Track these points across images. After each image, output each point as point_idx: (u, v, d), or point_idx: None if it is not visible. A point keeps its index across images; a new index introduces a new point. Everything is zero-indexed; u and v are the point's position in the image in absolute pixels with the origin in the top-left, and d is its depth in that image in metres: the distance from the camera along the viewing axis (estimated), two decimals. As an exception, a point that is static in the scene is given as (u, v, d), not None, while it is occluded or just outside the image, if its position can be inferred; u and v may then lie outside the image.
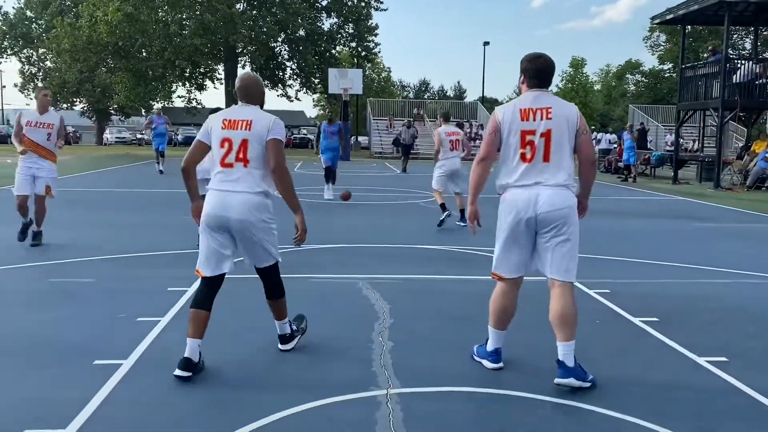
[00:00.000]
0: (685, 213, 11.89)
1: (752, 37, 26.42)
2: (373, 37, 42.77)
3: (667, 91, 50.61)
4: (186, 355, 3.52)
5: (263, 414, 3.10)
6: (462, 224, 8.78)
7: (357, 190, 13.98)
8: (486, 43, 44.80)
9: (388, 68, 70.23)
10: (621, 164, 20.64)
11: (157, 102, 42.15)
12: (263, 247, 3.69)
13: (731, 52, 26.10)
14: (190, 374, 3.48)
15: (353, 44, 43.25)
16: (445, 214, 8.94)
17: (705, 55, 21.27)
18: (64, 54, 38.19)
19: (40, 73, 49.53)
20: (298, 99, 73.02)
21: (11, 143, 7.46)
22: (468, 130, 36.34)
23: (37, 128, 7.08)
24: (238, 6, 39.00)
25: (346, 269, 6.35)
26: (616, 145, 22.84)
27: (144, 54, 38.49)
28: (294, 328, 4.05)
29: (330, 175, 12.90)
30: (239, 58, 41.95)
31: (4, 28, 48.04)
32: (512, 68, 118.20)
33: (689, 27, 28.98)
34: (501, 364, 3.79)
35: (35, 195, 7.12)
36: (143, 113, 47.68)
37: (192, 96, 43.79)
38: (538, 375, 3.70)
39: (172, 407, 3.20)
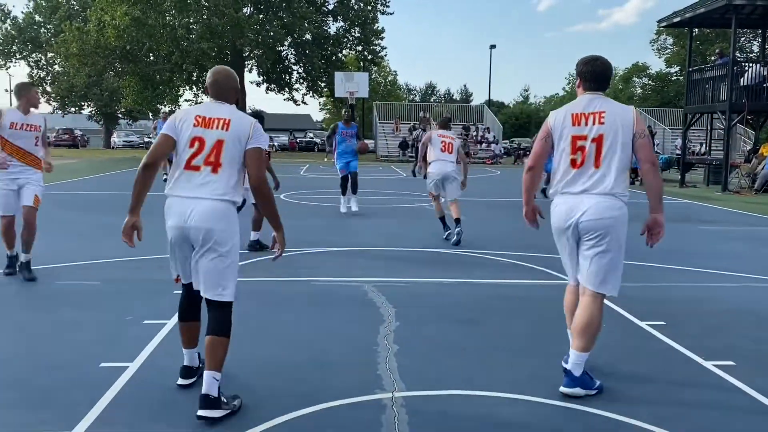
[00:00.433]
0: (692, 216, 11.84)
1: (760, 40, 26.32)
2: (380, 41, 42.84)
3: (674, 94, 50.45)
4: (185, 363, 3.48)
5: (269, 417, 3.11)
6: (456, 231, 8.11)
7: (363, 193, 13.98)
8: (492, 47, 44.80)
9: (395, 72, 70.27)
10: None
11: (165, 106, 42.31)
12: (218, 269, 3.12)
13: (739, 55, 26.00)
14: (192, 380, 3.45)
15: (359, 48, 43.32)
16: (446, 233, 8.34)
17: (712, 58, 21.16)
18: (73, 58, 38.44)
19: (49, 77, 49.84)
20: (305, 103, 73.34)
21: None
22: (474, 134, 36.33)
23: (24, 131, 5.77)
24: (245, 10, 39.14)
25: (352, 272, 6.35)
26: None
27: (151, 58, 38.70)
28: (223, 398, 3.13)
29: (347, 184, 11.02)
30: (246, 62, 42.10)
31: (13, 32, 48.40)
32: (519, 71, 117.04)
33: (696, 30, 28.90)
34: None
35: (23, 207, 5.75)
36: (151, 117, 47.89)
37: (199, 100, 44.04)
38: (543, 378, 3.69)
39: (178, 409, 3.21)
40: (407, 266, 6.83)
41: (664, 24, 22.20)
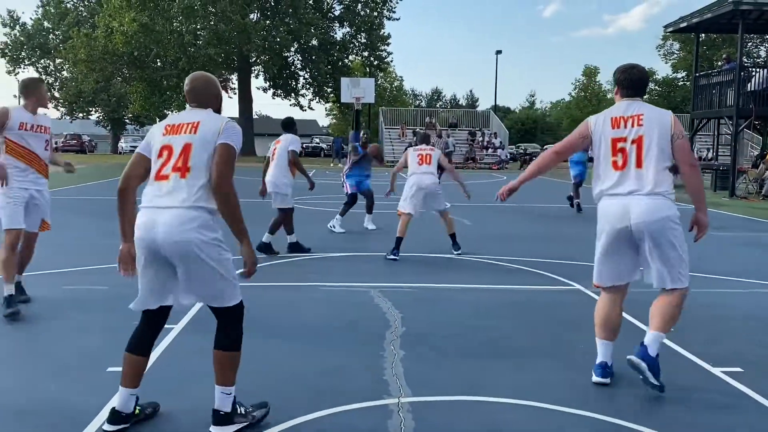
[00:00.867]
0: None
1: (767, 45, 26.22)
2: (386, 47, 42.99)
3: (680, 99, 50.31)
4: (116, 406, 3.02)
5: (275, 422, 3.11)
6: (457, 252, 7.71)
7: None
8: (498, 52, 44.91)
9: (401, 77, 70.45)
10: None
11: (172, 111, 42.53)
12: (210, 276, 2.85)
13: (745, 60, 25.92)
14: (118, 428, 2.98)
15: (366, 53, 43.48)
16: (392, 254, 7.43)
17: (719, 63, 21.12)
18: (81, 64, 38.74)
19: (57, 83, 50.19)
20: (311, 108, 73.59)
21: None
22: (480, 139, 36.33)
23: (35, 132, 5.02)
24: (251, 16, 39.37)
25: (358, 278, 6.36)
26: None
27: (159, 64, 38.95)
28: (242, 410, 3.01)
29: (353, 205, 9.73)
30: (253, 68, 42.31)
31: (22, 38, 48.78)
32: (524, 77, 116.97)
33: (703, 35, 28.85)
34: (608, 380, 3.65)
35: (25, 232, 5.02)
36: (158, 122, 48.19)
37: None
38: (549, 384, 3.68)
39: (186, 415, 3.21)
40: (413, 271, 6.83)
41: (670, 29, 22.18)
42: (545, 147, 48.92)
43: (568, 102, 44.69)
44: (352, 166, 9.82)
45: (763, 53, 43.91)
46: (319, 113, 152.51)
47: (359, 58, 45.06)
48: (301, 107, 44.44)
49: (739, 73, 17.69)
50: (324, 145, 46.10)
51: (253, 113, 45.46)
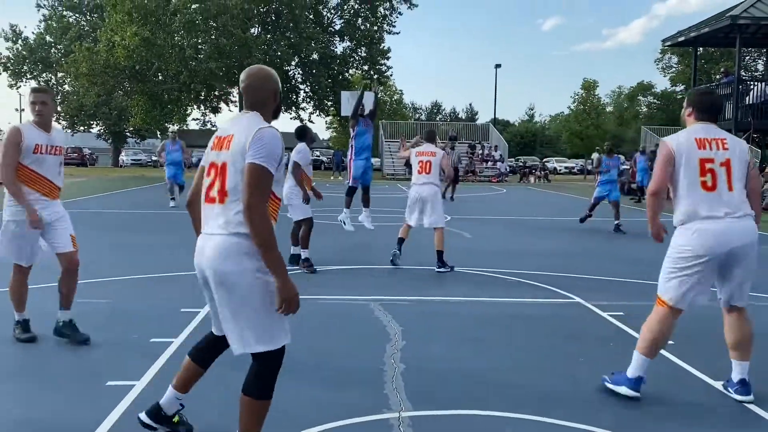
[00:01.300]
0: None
1: (765, 59, 26.36)
2: (386, 60, 43.24)
3: (679, 112, 50.47)
4: (160, 401, 2.99)
5: (275, 436, 3.09)
6: (440, 270, 7.49)
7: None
8: (498, 66, 45.07)
9: (400, 90, 70.59)
10: (634, 185, 20.60)
11: (173, 124, 42.67)
12: (237, 317, 2.58)
13: (744, 73, 26.05)
14: (155, 429, 2.97)
15: (366, 67, 43.70)
16: (393, 253, 7.72)
17: (717, 76, 21.24)
18: (82, 78, 38.90)
19: (59, 97, 50.42)
20: (312, 122, 73.45)
21: None
22: (480, 152, 36.40)
23: (50, 155, 4.41)
24: (252, 30, 39.64)
25: (358, 291, 6.35)
26: (627, 167, 22.88)
27: (160, 77, 39.14)
28: None
29: (353, 192, 9.15)
30: (253, 81, 42.43)
31: (24, 53, 49.05)
32: (524, 90, 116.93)
33: (701, 49, 29.02)
34: (639, 394, 3.67)
35: (59, 255, 4.46)
36: (159, 135, 48.30)
37: (207, 119, 44.48)
38: (551, 399, 3.66)
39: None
40: (413, 284, 6.82)
41: (669, 43, 22.34)
42: (545, 160, 49.10)
43: (567, 115, 44.83)
44: (358, 149, 8.89)
45: (761, 66, 44.13)
46: (320, 126, 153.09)
47: (359, 71, 45.30)
48: (301, 120, 44.58)
49: (737, 87, 17.78)
50: (324, 158, 46.16)
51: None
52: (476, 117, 72.05)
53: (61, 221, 4.46)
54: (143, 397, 3.56)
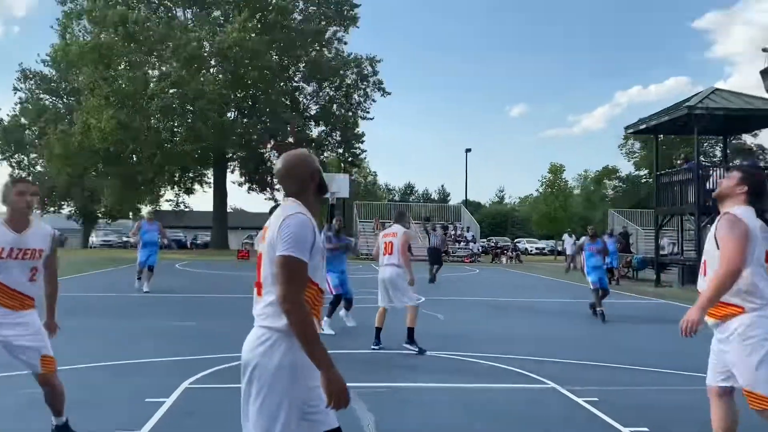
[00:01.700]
0: (672, 317, 11.90)
1: (722, 146, 27.66)
2: (360, 144, 44.29)
3: (645, 195, 52.12)
4: None
5: None
6: (408, 347, 7.53)
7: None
8: (468, 150, 46.44)
9: (374, 172, 71.90)
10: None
11: (145, 205, 42.51)
12: (254, 415, 2.42)
13: (703, 159, 27.23)
14: None
15: (340, 150, 44.64)
16: (373, 345, 7.70)
17: (678, 162, 22.11)
18: (56, 159, 38.88)
19: (30, 178, 50.14)
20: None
21: None
22: (452, 232, 36.84)
23: (17, 260, 3.79)
24: (229, 115, 40.45)
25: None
26: (614, 248, 23.34)
27: (134, 159, 39.35)
28: None
29: (338, 302, 9.43)
30: (229, 163, 42.98)
31: (-2, 134, 49.08)
32: (494, 173, 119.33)
33: (661, 136, 30.35)
34: None
35: (35, 375, 4.02)
36: (131, 216, 47.94)
37: (180, 200, 44.46)
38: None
39: None
40: (386, 369, 6.73)
41: (630, 131, 23.32)
42: (516, 240, 49.72)
43: (536, 197, 45.93)
44: (329, 260, 8.97)
45: (718, 152, 46.15)
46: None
47: (334, 154, 46.21)
48: (276, 201, 44.88)
49: (697, 172, 18.50)
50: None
51: (228, 207, 45.72)
52: (448, 198, 73.40)
53: (31, 338, 3.85)
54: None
